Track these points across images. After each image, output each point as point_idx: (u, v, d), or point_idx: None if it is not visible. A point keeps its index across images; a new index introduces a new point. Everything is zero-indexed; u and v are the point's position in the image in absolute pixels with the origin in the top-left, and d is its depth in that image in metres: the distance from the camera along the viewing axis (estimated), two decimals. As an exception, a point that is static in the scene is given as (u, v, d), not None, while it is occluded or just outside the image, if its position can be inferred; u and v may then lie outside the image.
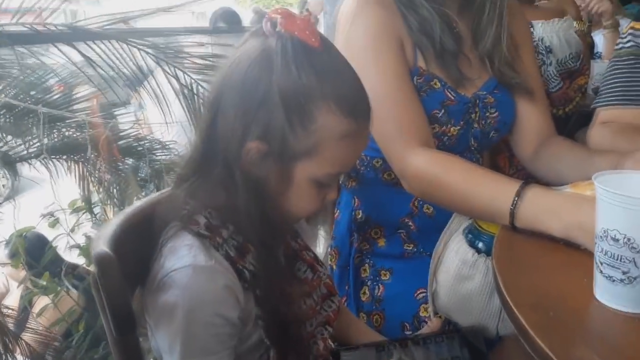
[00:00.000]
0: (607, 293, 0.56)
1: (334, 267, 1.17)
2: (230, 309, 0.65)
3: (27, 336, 1.47)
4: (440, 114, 0.99)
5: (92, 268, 1.63)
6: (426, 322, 0.98)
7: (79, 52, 1.16)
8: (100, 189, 1.49)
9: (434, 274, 0.94)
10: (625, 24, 2.49)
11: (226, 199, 0.67)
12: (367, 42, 0.96)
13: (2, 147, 1.22)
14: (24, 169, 1.44)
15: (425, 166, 0.90)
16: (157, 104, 1.42)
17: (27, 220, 1.58)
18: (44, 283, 1.45)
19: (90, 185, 1.50)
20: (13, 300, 1.80)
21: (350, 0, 1.00)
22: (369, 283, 1.10)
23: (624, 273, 0.54)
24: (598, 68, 1.90)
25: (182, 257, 0.64)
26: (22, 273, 1.69)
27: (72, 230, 1.54)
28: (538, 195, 0.75)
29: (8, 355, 1.22)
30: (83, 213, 1.51)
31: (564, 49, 1.69)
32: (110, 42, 1.23)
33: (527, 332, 0.53)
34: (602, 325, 0.55)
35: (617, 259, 0.54)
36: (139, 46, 1.23)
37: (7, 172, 1.42)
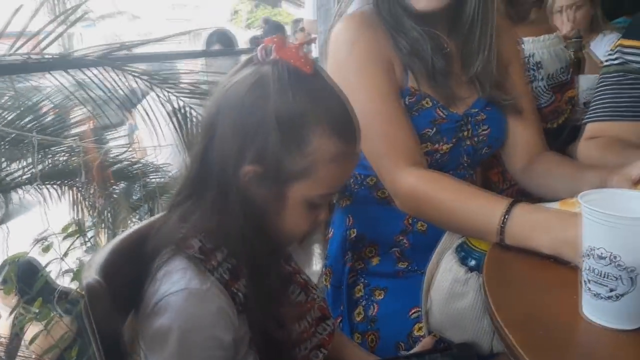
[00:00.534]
0: (594, 310, 0.57)
1: (328, 286, 1.17)
2: (225, 331, 0.65)
3: (18, 364, 1.45)
4: (431, 133, 1.00)
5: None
6: (421, 341, 0.98)
7: (73, 78, 1.18)
8: (94, 214, 1.49)
9: (427, 292, 0.94)
10: (614, 38, 2.53)
11: (220, 222, 0.68)
12: (358, 63, 0.98)
13: (-4, 173, 1.23)
14: (15, 194, 1.44)
15: (416, 185, 0.90)
16: (150, 126, 1.43)
17: (18, 246, 1.57)
18: (36, 310, 1.44)
19: (84, 209, 1.50)
20: (4, 328, 1.78)
21: (342, 23, 1.02)
22: (363, 303, 1.09)
23: (610, 290, 0.54)
24: (586, 82, 1.93)
25: (177, 281, 0.64)
26: (14, 299, 1.68)
27: (65, 255, 1.53)
28: (526, 213, 0.75)
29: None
30: (76, 238, 1.51)
31: (554, 64, 1.71)
32: (104, 69, 1.25)
33: (516, 350, 0.53)
34: (590, 342, 0.55)
35: (603, 277, 0.54)
36: (132, 72, 1.25)
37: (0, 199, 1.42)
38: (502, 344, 0.57)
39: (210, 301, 0.64)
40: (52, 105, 1.53)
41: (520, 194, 1.49)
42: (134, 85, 1.50)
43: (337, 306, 1.12)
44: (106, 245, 0.73)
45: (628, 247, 0.53)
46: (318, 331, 0.81)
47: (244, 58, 0.78)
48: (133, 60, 1.44)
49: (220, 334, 0.65)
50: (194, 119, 1.43)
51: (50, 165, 1.36)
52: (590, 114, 1.20)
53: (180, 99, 1.39)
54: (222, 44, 2.83)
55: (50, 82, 1.49)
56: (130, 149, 1.70)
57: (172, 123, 1.43)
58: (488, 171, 1.56)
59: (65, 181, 1.38)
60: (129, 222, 1.54)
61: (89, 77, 1.37)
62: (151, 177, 1.57)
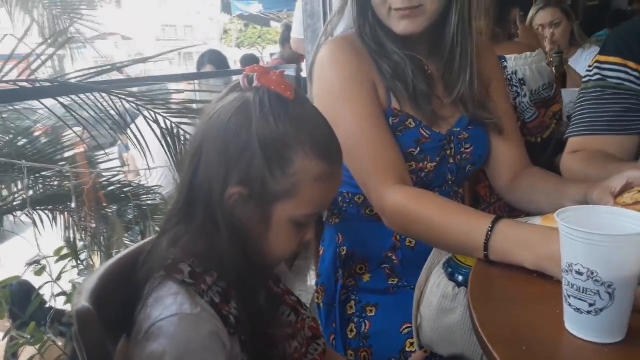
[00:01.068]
0: (576, 324, 0.58)
1: (321, 304, 1.18)
2: (218, 355, 0.66)
3: (13, 389, 1.44)
4: (416, 152, 1.02)
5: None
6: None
7: (63, 105, 1.19)
8: (86, 237, 1.49)
9: (417, 308, 0.95)
10: (594, 52, 2.59)
11: (208, 245, 0.69)
12: (343, 85, 1.00)
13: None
14: (7, 219, 1.44)
15: (402, 202, 0.92)
16: (140, 149, 1.44)
17: (10, 269, 1.57)
18: (28, 336, 1.43)
19: (76, 232, 1.50)
20: (-2, 352, 1.76)
21: (327, 47, 1.05)
22: (355, 320, 1.10)
23: (590, 305, 0.56)
24: (567, 96, 1.96)
25: (169, 307, 0.65)
26: (7, 323, 1.67)
27: (59, 278, 1.53)
28: (509, 229, 0.77)
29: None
30: (69, 261, 1.51)
31: (537, 80, 1.75)
32: (93, 95, 1.26)
33: (501, 367, 0.54)
34: (574, 357, 0.56)
35: (582, 292, 0.56)
36: (122, 97, 1.27)
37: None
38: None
39: (202, 325, 0.65)
40: (42, 130, 1.54)
41: (508, 208, 1.51)
42: (125, 106, 1.51)
43: (330, 323, 1.13)
44: (96, 271, 0.73)
45: (605, 263, 0.54)
46: (309, 351, 0.81)
47: (235, 78, 0.80)
48: (126, 83, 1.46)
49: (214, 357, 0.65)
50: (185, 140, 1.44)
51: (41, 190, 1.36)
52: (572, 128, 1.23)
53: (170, 120, 1.41)
54: (213, 64, 2.87)
55: (41, 105, 1.50)
56: (122, 171, 1.71)
57: (162, 144, 1.44)
58: (476, 186, 1.58)
59: (57, 206, 1.38)
60: (122, 243, 1.55)
61: (81, 99, 1.38)
62: (143, 198, 1.58)
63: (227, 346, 0.67)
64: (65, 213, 1.41)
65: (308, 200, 0.71)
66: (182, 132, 1.41)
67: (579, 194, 0.92)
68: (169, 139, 1.37)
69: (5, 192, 1.36)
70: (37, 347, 1.52)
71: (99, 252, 1.63)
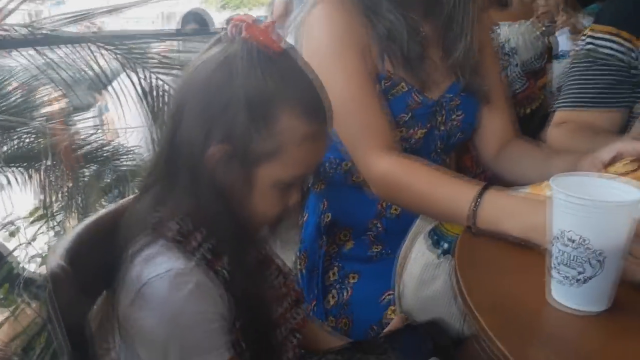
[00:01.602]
0: (562, 293, 0.57)
1: (303, 271, 1.16)
2: (217, 305, 0.65)
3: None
4: (406, 118, 1.00)
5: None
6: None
7: (42, 57, 1.13)
8: (62, 197, 1.45)
9: (400, 276, 0.94)
10: (587, 23, 2.57)
11: (195, 204, 0.67)
12: (334, 48, 0.97)
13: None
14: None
15: (389, 169, 0.90)
16: (121, 108, 1.39)
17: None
18: (1, 296, 1.40)
19: (52, 193, 1.46)
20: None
21: (317, 7, 1.00)
22: (336, 287, 1.09)
23: (579, 273, 0.55)
24: (559, 68, 1.95)
25: (161, 264, 0.63)
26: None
27: (33, 239, 1.50)
28: (497, 198, 0.76)
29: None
30: (44, 222, 1.47)
31: (528, 50, 1.73)
32: (74, 46, 1.20)
33: (486, 333, 0.53)
34: (558, 325, 0.56)
35: (572, 259, 0.55)
36: (104, 47, 1.21)
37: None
38: (473, 327, 0.58)
39: (198, 278, 0.63)
40: (18, 84, 1.48)
41: (493, 179, 1.50)
42: (104, 65, 1.45)
43: (311, 290, 1.12)
44: (72, 230, 0.71)
45: (597, 230, 0.53)
46: (292, 316, 0.81)
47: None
48: (105, 39, 1.39)
49: (213, 306, 0.64)
50: (167, 99, 1.39)
51: (15, 147, 1.31)
52: (560, 101, 1.22)
53: (155, 76, 1.35)
54: (197, 24, 2.78)
55: (16, 60, 1.43)
56: (100, 131, 1.66)
57: (145, 104, 1.39)
58: (461, 156, 1.57)
59: (32, 164, 1.33)
60: (100, 205, 1.51)
61: (60, 56, 1.32)
62: (122, 159, 1.53)
63: (225, 299, 0.65)
64: (40, 172, 1.37)
65: (294, 161, 0.68)
66: (163, 87, 1.35)
67: (566, 164, 0.91)
68: (148, 96, 1.32)
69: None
70: (10, 309, 1.50)
71: (76, 214, 1.59)
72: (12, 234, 1.57)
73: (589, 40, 1.17)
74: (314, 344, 0.91)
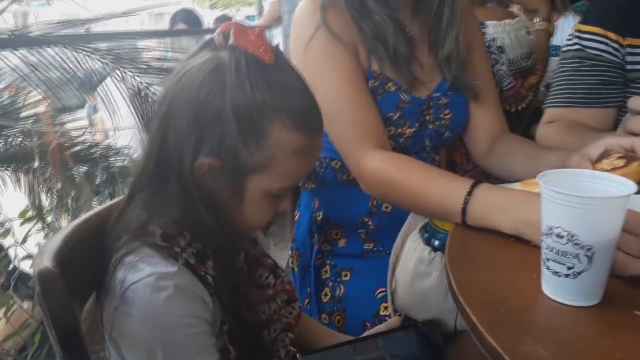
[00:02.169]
0: (553, 288, 0.58)
1: (296, 269, 1.17)
2: (201, 309, 0.65)
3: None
4: (395, 117, 1.00)
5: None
6: (387, 321, 0.99)
7: (22, 59, 1.12)
8: (52, 198, 1.44)
9: (393, 272, 0.95)
10: (573, 21, 2.57)
11: (181, 210, 0.66)
12: (323, 46, 0.97)
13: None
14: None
15: (380, 168, 0.91)
16: (109, 109, 1.38)
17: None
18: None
19: (42, 194, 1.44)
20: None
21: (305, 5, 1.00)
22: (330, 284, 1.10)
23: (569, 268, 0.55)
24: (552, 64, 1.96)
25: (143, 269, 0.62)
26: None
27: (24, 240, 1.48)
28: (488, 193, 0.76)
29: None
30: (35, 223, 1.45)
31: (515, 49, 1.73)
32: (58, 47, 1.19)
33: (477, 329, 0.54)
34: (550, 320, 0.56)
35: (561, 255, 0.55)
36: (88, 52, 1.20)
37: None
38: (465, 323, 0.58)
39: (180, 282, 0.63)
40: (5, 86, 1.46)
41: (483, 175, 1.52)
42: (92, 65, 1.44)
43: (305, 287, 1.12)
44: (60, 232, 0.70)
45: (585, 226, 0.54)
46: (285, 314, 0.81)
47: (209, 37, 0.75)
48: (93, 38, 1.38)
49: (197, 311, 0.64)
50: (154, 100, 1.39)
51: (2, 148, 1.30)
52: (549, 99, 1.22)
53: (141, 79, 1.34)
54: (186, 23, 2.76)
55: (3, 61, 1.41)
56: (90, 131, 1.65)
57: (134, 105, 1.38)
58: (452, 153, 1.58)
59: (21, 165, 1.32)
60: (90, 206, 1.50)
61: (46, 57, 1.30)
62: (112, 160, 1.52)
63: (209, 304, 0.65)
64: (29, 173, 1.35)
65: (284, 173, 0.67)
66: (151, 92, 1.35)
67: (555, 160, 0.91)
68: (136, 99, 1.31)
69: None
70: (3, 310, 1.48)
71: (66, 215, 1.58)
72: (2, 235, 1.55)
73: (576, 40, 1.18)
74: (308, 342, 0.92)
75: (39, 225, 1.56)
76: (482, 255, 0.72)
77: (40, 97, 1.51)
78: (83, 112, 2.05)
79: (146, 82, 1.30)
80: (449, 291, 0.65)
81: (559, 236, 0.55)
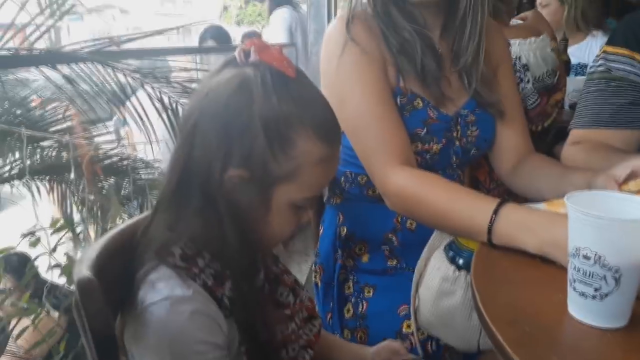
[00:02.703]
0: (580, 309, 0.58)
1: (319, 283, 1.18)
2: (214, 335, 0.65)
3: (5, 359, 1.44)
4: (422, 133, 1.02)
5: (73, 288, 1.61)
6: (409, 338, 0.99)
7: (61, 74, 1.17)
8: (83, 209, 1.48)
9: (416, 290, 0.95)
10: (602, 40, 2.56)
11: (203, 227, 0.68)
12: (351, 63, 0.99)
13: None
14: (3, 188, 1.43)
15: (406, 184, 0.92)
16: (140, 123, 1.42)
17: (4, 239, 1.56)
18: (25, 305, 1.43)
19: (72, 204, 1.49)
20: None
21: (334, 23, 1.03)
22: (352, 299, 1.11)
23: (595, 290, 0.56)
24: (572, 84, 1.95)
25: (160, 290, 0.64)
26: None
27: (54, 249, 1.52)
28: (514, 213, 0.77)
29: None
30: (65, 233, 1.50)
31: (540, 67, 1.74)
32: (92, 64, 1.24)
33: (503, 347, 0.54)
34: (576, 340, 0.57)
35: (589, 276, 0.56)
36: (120, 69, 1.25)
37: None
38: (490, 341, 0.59)
39: (196, 307, 0.64)
40: (40, 100, 1.52)
41: (507, 194, 1.51)
42: (124, 80, 1.49)
43: (328, 302, 1.13)
44: (97, 242, 0.72)
45: (613, 247, 0.54)
46: (305, 331, 0.81)
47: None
48: (124, 55, 1.43)
49: (210, 337, 0.65)
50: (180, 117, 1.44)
51: (39, 160, 1.35)
52: (575, 120, 1.22)
53: (172, 96, 1.39)
54: (215, 40, 2.81)
55: (36, 76, 1.47)
56: (120, 144, 1.70)
57: (163, 119, 1.42)
58: (475, 171, 1.58)
59: (55, 176, 1.37)
60: (119, 217, 1.54)
61: (78, 72, 1.35)
62: (141, 172, 1.57)
63: (224, 328, 0.66)
64: (62, 184, 1.40)
65: (308, 182, 0.69)
66: (180, 106, 1.40)
67: (581, 181, 0.91)
68: (170, 115, 1.36)
69: (0, 162, 1.34)
70: (31, 317, 1.52)
71: (95, 225, 1.62)
72: (33, 244, 1.60)
73: (602, 62, 1.18)
74: (329, 358, 0.92)
75: (68, 235, 1.60)
76: (508, 274, 0.72)
77: (73, 110, 1.57)
78: (113, 125, 2.10)
79: (175, 97, 1.34)
80: (475, 309, 0.65)
81: (586, 257, 0.55)
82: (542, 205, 0.83)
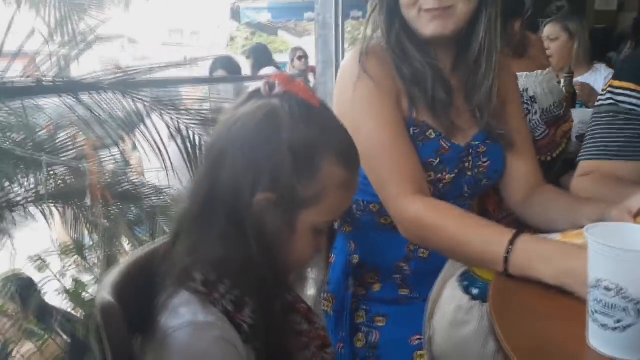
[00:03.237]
0: (600, 340, 0.58)
1: (330, 312, 1.17)
2: None
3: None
4: (435, 163, 1.03)
5: (78, 313, 1.61)
6: None
7: (83, 104, 1.21)
8: (95, 234, 1.49)
9: (430, 319, 0.95)
10: (604, 71, 2.60)
11: (226, 252, 0.69)
12: (366, 94, 1.01)
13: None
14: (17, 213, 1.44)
15: (421, 213, 0.93)
16: (151, 148, 1.45)
17: (6, 262, 1.56)
18: (36, 329, 1.43)
19: (83, 229, 1.50)
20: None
21: (350, 54, 1.06)
22: (364, 329, 1.10)
23: (617, 321, 0.56)
24: (579, 116, 1.98)
25: (182, 316, 0.65)
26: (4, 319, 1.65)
27: (63, 274, 1.53)
28: (530, 243, 0.77)
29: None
30: (75, 257, 1.50)
31: (547, 99, 1.77)
32: (108, 93, 1.28)
33: (526, 379, 0.54)
34: (598, 373, 0.57)
35: (610, 308, 0.56)
36: (137, 97, 1.28)
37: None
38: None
39: (217, 333, 0.64)
40: (55, 127, 1.54)
41: (517, 224, 1.52)
42: (136, 107, 1.52)
43: (339, 332, 1.13)
44: (117, 267, 0.73)
45: (634, 279, 0.54)
46: None
47: (246, 84, 0.80)
48: (139, 85, 1.47)
49: None
50: (197, 142, 1.45)
51: (53, 186, 1.37)
52: (583, 152, 1.24)
53: (185, 123, 1.42)
54: (225, 70, 2.88)
55: (48, 103, 1.50)
56: (130, 170, 1.72)
57: (181, 151, 1.46)
58: (484, 200, 1.59)
59: (65, 201, 1.38)
60: (128, 243, 1.54)
61: (95, 100, 1.38)
62: (152, 198, 1.58)
63: (243, 355, 0.66)
64: (74, 209, 1.41)
65: (330, 206, 0.72)
66: (198, 137, 1.43)
67: (594, 213, 0.92)
68: (187, 143, 1.39)
69: (16, 187, 1.35)
70: (35, 342, 1.51)
71: (102, 250, 1.62)
72: (40, 269, 1.60)
73: (608, 95, 1.20)
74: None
75: (77, 260, 1.61)
76: (526, 305, 0.72)
77: (83, 136, 1.59)
78: (123, 151, 2.12)
79: (199, 132, 1.38)
80: (493, 339, 0.65)
81: (607, 289, 0.56)
82: (557, 236, 0.84)
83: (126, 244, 1.61)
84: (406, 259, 1.10)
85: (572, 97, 2.21)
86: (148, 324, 0.67)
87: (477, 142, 1.08)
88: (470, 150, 1.07)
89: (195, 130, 1.52)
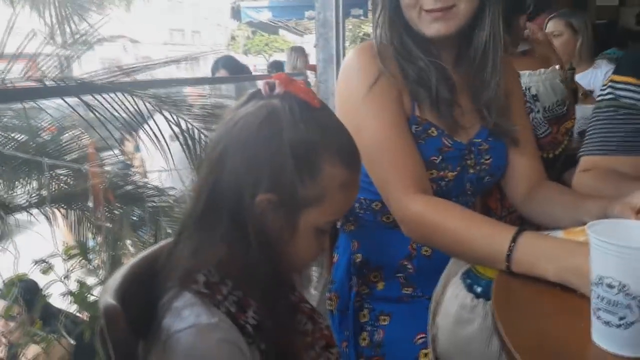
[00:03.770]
0: (604, 338, 0.58)
1: (334, 311, 1.17)
2: None
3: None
4: (437, 160, 1.03)
5: (83, 315, 1.61)
6: None
7: (87, 105, 1.21)
8: (98, 236, 1.50)
9: (434, 318, 0.95)
10: (607, 68, 2.59)
11: (229, 253, 0.69)
12: (368, 92, 1.01)
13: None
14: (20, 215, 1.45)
15: (423, 212, 0.93)
16: (155, 148, 1.45)
17: (10, 265, 1.56)
18: (40, 332, 1.43)
19: (86, 231, 1.51)
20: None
21: (352, 53, 1.06)
22: (368, 328, 1.10)
23: (620, 318, 0.56)
24: (580, 112, 1.98)
25: (185, 318, 0.65)
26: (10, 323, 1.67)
27: (67, 277, 1.53)
28: (533, 241, 0.77)
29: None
30: (79, 260, 1.51)
31: (550, 97, 1.76)
32: (114, 94, 1.28)
33: (529, 377, 0.54)
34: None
35: (613, 305, 0.56)
36: (144, 95, 1.29)
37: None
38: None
39: (220, 335, 0.64)
40: (58, 128, 1.55)
41: (519, 221, 1.52)
42: (140, 107, 1.52)
43: (343, 330, 1.13)
44: (120, 270, 0.73)
45: (637, 276, 0.54)
46: None
47: (248, 82, 0.81)
48: (142, 85, 1.47)
49: None
50: (201, 141, 1.46)
51: (55, 189, 1.37)
52: (584, 147, 1.23)
53: (188, 122, 1.43)
54: (227, 69, 2.89)
55: (49, 104, 1.50)
56: (136, 172, 1.73)
57: (184, 149, 1.46)
58: (486, 198, 1.59)
59: (73, 204, 1.39)
60: (131, 244, 1.55)
61: (100, 101, 1.39)
62: (155, 199, 1.58)
63: (247, 356, 0.66)
64: (77, 211, 1.42)
65: (332, 206, 0.72)
66: (203, 136, 1.43)
67: (596, 209, 0.92)
68: (189, 142, 1.39)
69: (19, 190, 1.36)
70: (42, 345, 1.52)
71: (107, 252, 1.63)
72: (45, 272, 1.60)
73: (609, 90, 1.20)
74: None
75: (81, 262, 1.61)
76: (529, 303, 0.72)
77: (87, 138, 1.60)
78: (126, 152, 2.13)
79: (199, 128, 1.38)
80: (496, 337, 0.66)
81: (610, 286, 0.56)
82: (560, 233, 0.84)
83: (130, 246, 1.62)
84: (409, 257, 1.10)
85: (574, 94, 2.21)
86: (151, 326, 0.67)
87: (479, 140, 1.08)
88: (473, 148, 1.07)
89: (198, 127, 1.52)
